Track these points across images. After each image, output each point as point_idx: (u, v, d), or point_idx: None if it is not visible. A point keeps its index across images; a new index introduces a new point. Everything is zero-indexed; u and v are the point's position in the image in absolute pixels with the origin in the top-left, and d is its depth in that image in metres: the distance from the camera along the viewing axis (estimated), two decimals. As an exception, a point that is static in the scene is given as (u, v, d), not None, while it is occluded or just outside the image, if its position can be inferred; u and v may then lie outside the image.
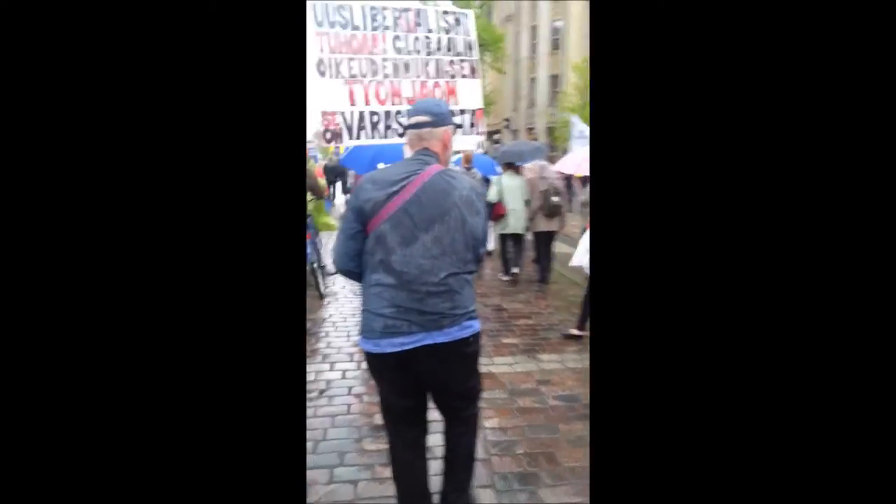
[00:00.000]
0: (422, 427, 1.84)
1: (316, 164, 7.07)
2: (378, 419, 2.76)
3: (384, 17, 4.01)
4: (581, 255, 3.85)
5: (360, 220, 1.65)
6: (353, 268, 1.71)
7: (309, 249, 5.21)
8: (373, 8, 3.98)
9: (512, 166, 5.95)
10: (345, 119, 3.82)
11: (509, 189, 5.58)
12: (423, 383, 1.73)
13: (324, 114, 3.78)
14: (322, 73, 3.81)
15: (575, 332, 4.02)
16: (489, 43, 19.68)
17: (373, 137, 3.82)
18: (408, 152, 1.83)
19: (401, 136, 3.91)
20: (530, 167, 6.31)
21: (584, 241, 3.89)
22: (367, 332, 1.66)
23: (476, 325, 1.68)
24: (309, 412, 2.88)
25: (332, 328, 4.31)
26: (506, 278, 5.91)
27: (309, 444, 2.55)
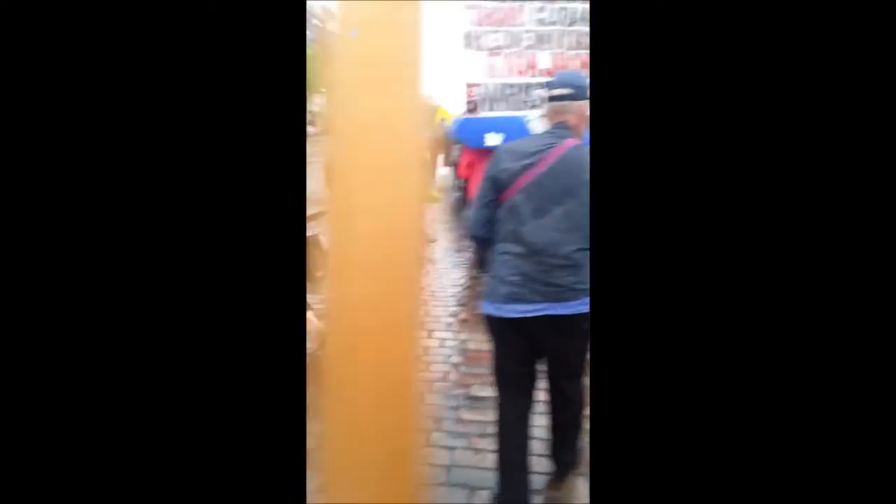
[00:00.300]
0: (530, 398, 1.87)
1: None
2: (475, 390, 2.79)
3: None
4: None
5: (495, 190, 1.71)
6: (486, 234, 1.78)
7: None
8: None
9: None
10: (484, 90, 3.89)
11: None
12: (538, 352, 1.78)
13: (467, 85, 3.87)
14: (467, 46, 3.86)
15: None
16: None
17: (508, 110, 3.84)
18: (543, 124, 1.84)
19: (534, 108, 3.87)
20: None
21: None
22: (492, 296, 1.72)
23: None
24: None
25: (430, 297, 4.38)
26: None
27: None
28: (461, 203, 6.93)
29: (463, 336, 3.55)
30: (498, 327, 1.76)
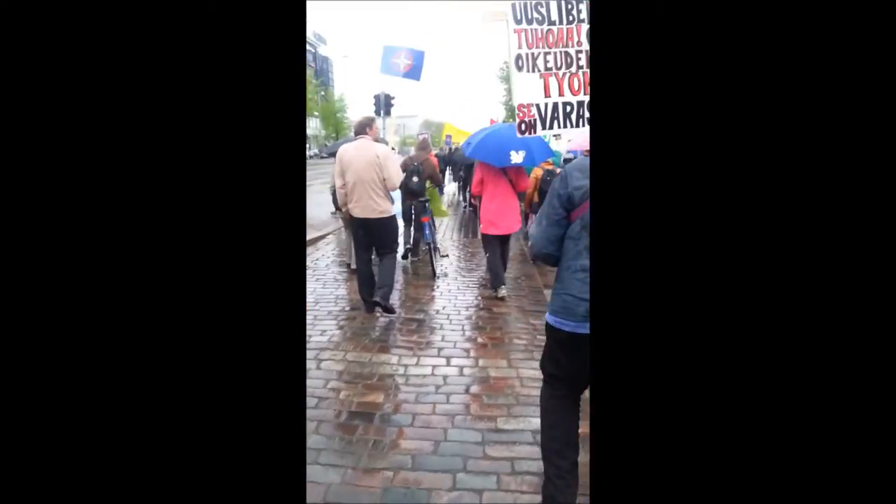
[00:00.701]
0: (578, 392, 1.94)
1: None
2: (501, 423, 2.61)
3: (579, 11, 4.06)
4: None
5: (567, 207, 1.73)
6: (553, 251, 1.80)
7: (427, 231, 5.76)
8: (567, 2, 4.19)
9: None
10: (539, 110, 4.08)
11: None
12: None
13: (519, 106, 4.08)
14: (520, 68, 4.06)
15: None
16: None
17: (565, 126, 4.05)
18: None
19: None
20: None
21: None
22: (566, 314, 1.74)
23: None
24: (427, 409, 2.78)
25: (445, 321, 4.21)
26: None
27: (429, 444, 2.44)
28: (472, 218, 6.86)
29: (483, 363, 3.37)
30: (572, 342, 1.74)
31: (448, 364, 3.35)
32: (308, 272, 5.82)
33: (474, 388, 3.02)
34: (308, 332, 3.91)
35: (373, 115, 5.26)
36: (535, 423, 2.58)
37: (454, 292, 5.05)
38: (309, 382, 3.08)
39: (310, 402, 2.85)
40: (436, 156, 11.36)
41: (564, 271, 1.77)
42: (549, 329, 1.84)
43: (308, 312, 4.38)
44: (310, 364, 3.34)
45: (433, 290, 5.14)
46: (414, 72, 6.40)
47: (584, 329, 1.68)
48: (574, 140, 5.96)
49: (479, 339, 3.79)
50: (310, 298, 4.77)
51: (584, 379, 1.83)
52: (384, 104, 14.37)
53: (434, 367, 3.31)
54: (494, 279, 4.85)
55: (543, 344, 2.00)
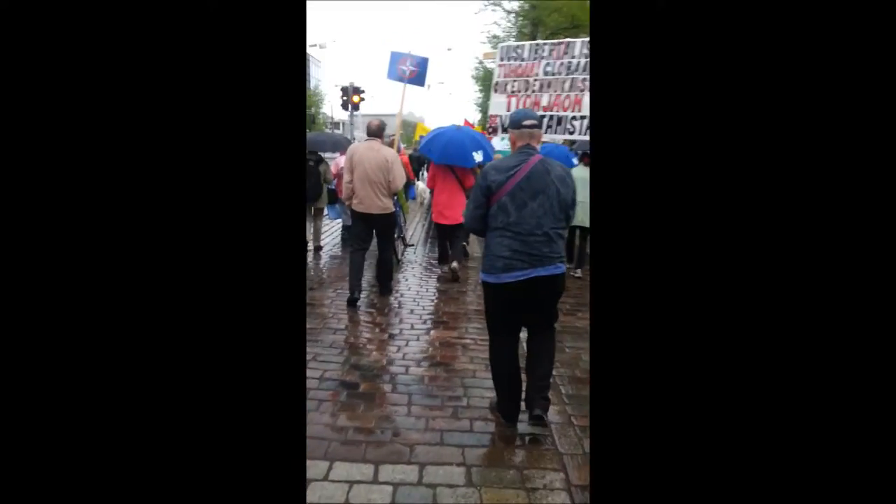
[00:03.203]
0: (516, 335, 2.69)
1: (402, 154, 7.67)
2: None
3: (543, 50, 6.02)
4: None
5: (486, 195, 2.50)
6: (479, 226, 2.60)
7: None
8: (537, 44, 6.02)
9: (587, 157, 6.10)
10: (501, 120, 5.76)
11: (580, 180, 4.40)
12: (525, 303, 2.50)
13: (490, 116, 6.00)
14: (496, 91, 6.03)
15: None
16: (584, 25, 17.13)
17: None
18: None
19: (505, 131, 6.08)
20: None
21: None
22: (490, 269, 2.49)
23: (564, 267, 2.51)
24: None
25: (388, 386, 3.10)
26: (575, 274, 5.64)
27: None
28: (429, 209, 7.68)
29: (428, 475, 2.25)
30: (495, 290, 2.52)
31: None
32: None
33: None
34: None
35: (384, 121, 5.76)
36: None
37: (406, 333, 3.95)
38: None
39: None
40: (410, 156, 10.42)
41: (489, 238, 2.53)
42: (483, 284, 2.57)
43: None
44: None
45: (398, 262, 4.29)
46: (419, 78, 6.76)
47: (502, 279, 2.43)
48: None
49: (433, 412, 2.69)
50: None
51: (515, 321, 2.62)
52: (350, 95, 13.26)
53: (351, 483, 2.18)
54: (440, 258, 5.75)
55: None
